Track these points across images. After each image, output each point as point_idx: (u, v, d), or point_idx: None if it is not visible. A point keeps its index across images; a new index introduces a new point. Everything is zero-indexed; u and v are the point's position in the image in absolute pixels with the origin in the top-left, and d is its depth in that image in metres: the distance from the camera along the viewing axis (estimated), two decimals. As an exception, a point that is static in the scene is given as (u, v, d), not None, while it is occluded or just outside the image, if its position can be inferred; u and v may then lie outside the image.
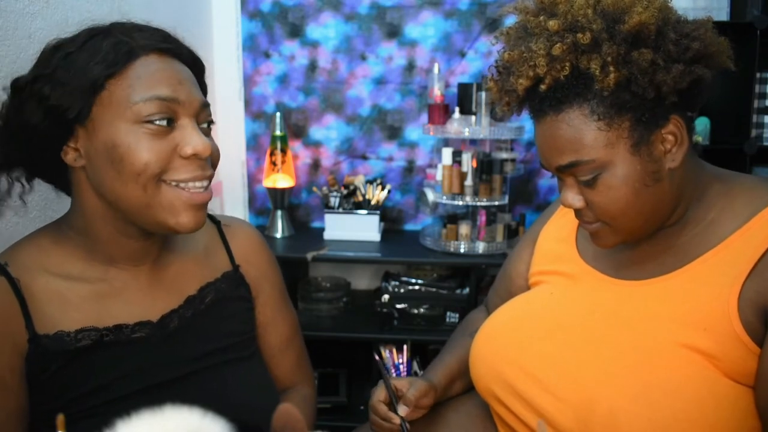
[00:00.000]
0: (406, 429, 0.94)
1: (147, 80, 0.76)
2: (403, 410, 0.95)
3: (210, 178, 0.81)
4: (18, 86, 0.78)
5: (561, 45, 0.77)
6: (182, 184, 0.78)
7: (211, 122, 0.84)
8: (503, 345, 0.93)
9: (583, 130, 0.79)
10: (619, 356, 0.81)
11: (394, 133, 2.31)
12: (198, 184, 0.79)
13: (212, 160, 0.82)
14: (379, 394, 0.99)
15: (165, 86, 0.76)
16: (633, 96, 0.77)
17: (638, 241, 0.89)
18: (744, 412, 0.76)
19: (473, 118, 2.02)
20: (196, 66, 0.85)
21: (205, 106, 0.82)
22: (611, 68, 0.76)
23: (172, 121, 0.77)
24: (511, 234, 2.08)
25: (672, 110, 0.80)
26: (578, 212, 0.87)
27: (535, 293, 0.99)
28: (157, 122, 0.76)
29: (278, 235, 2.23)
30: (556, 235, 1.03)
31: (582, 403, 0.80)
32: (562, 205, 1.01)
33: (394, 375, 2.00)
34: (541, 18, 0.80)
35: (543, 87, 0.79)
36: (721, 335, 0.77)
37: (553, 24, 0.78)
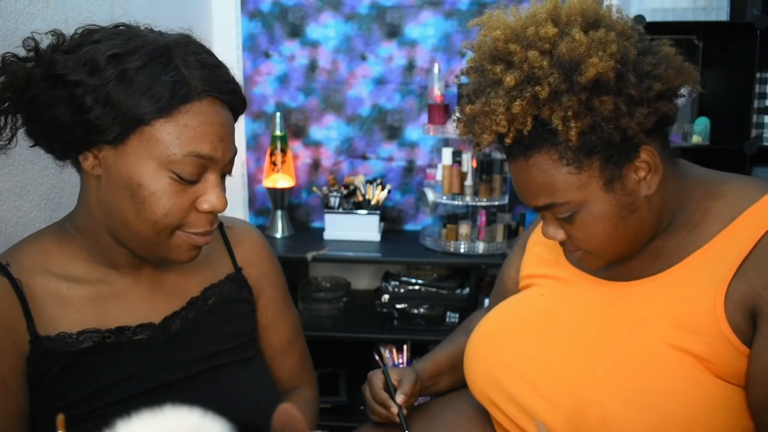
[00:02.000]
0: (403, 419, 0.97)
1: (192, 132, 0.74)
2: (400, 398, 0.98)
3: (216, 228, 0.82)
4: (56, 76, 0.72)
5: (520, 102, 0.75)
6: (190, 236, 0.79)
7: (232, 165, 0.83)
8: (496, 348, 0.93)
9: (554, 175, 0.79)
10: (609, 359, 0.81)
11: (394, 133, 2.31)
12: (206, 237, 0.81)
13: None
14: (377, 381, 1.01)
15: (206, 143, 0.75)
16: (600, 140, 0.76)
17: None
18: (736, 413, 0.76)
19: (473, 118, 2.02)
20: (241, 109, 0.84)
21: (234, 156, 0.81)
22: (572, 121, 0.74)
23: (200, 175, 0.77)
24: (511, 234, 2.08)
25: (642, 143, 0.78)
26: (561, 242, 0.87)
27: (526, 295, 1.00)
28: (187, 177, 0.75)
29: (278, 235, 2.23)
30: (544, 240, 1.03)
31: (574, 408, 0.80)
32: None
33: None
34: (498, 69, 0.78)
35: (507, 141, 0.79)
36: (709, 337, 0.76)
37: (510, 79, 0.76)
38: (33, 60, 0.76)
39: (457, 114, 0.86)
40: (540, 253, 1.01)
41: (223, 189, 0.81)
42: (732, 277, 0.77)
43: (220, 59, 0.81)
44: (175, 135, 0.73)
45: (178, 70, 0.73)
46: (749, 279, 0.76)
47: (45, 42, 0.78)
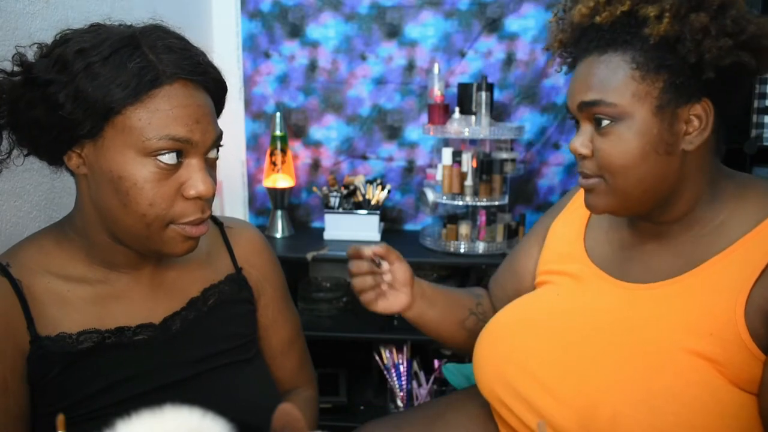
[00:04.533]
0: (378, 263, 1.00)
1: (164, 116, 0.73)
2: (378, 246, 1.00)
3: (208, 217, 0.81)
4: (32, 79, 0.74)
5: None
6: (182, 226, 0.78)
7: (219, 148, 0.82)
8: (507, 346, 0.92)
9: (618, 74, 0.80)
10: (623, 361, 0.81)
11: (394, 133, 2.31)
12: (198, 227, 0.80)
13: (212, 197, 0.82)
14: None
15: (181, 125, 0.74)
16: (675, 57, 0.78)
17: (629, 215, 0.89)
18: (748, 420, 0.75)
19: (473, 118, 2.02)
20: (219, 91, 0.83)
21: (218, 138, 0.80)
22: (666, 18, 0.77)
23: (180, 158, 0.76)
24: (511, 234, 2.08)
25: (706, 91, 0.80)
26: (581, 162, 0.86)
27: (541, 294, 0.99)
28: (166, 161, 0.74)
29: (278, 235, 2.23)
30: (566, 231, 1.02)
31: (585, 408, 0.80)
32: (573, 192, 1.03)
33: (394, 377, 2.01)
34: None
35: (599, 19, 0.81)
36: (726, 341, 0.76)
37: None
38: (20, 74, 0.77)
39: (558, 9, 0.91)
40: (559, 248, 1.01)
41: (212, 175, 0.80)
42: (754, 283, 0.76)
43: (193, 44, 0.80)
44: (147, 120, 0.73)
45: (144, 57, 0.73)
46: None
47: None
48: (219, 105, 0.85)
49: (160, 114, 0.73)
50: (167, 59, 0.75)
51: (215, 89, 0.82)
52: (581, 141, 0.85)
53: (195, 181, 0.77)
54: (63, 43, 0.75)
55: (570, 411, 0.81)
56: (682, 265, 0.84)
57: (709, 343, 0.76)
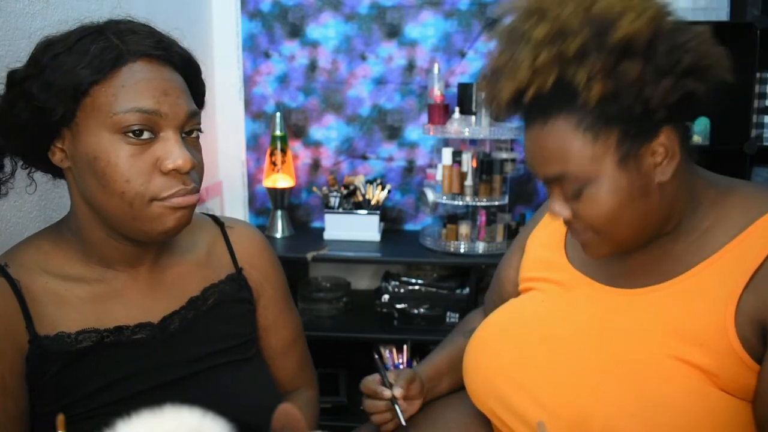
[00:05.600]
0: (395, 403, 0.96)
1: (130, 90, 0.74)
2: (398, 392, 0.97)
3: (193, 192, 0.79)
4: (11, 81, 0.77)
5: (546, 54, 0.74)
6: (167, 201, 0.77)
7: (198, 131, 0.82)
8: (495, 356, 0.91)
9: (570, 142, 0.76)
10: (613, 370, 0.80)
11: (394, 133, 2.31)
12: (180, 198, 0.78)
13: (197, 173, 0.80)
14: (372, 377, 1.01)
15: (148, 98, 0.74)
16: (620, 109, 0.74)
17: (631, 251, 0.86)
18: (741, 427, 0.75)
19: (473, 118, 2.02)
20: (189, 68, 0.83)
21: (193, 115, 0.79)
22: (596, 81, 0.72)
23: (153, 133, 0.76)
24: (511, 234, 2.08)
25: (663, 123, 0.76)
26: (567, 222, 0.85)
27: (526, 300, 0.98)
28: (138, 135, 0.74)
29: (278, 235, 2.23)
30: (545, 241, 1.01)
31: (576, 420, 0.79)
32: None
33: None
34: (529, 23, 0.76)
35: (527, 97, 0.77)
36: (717, 352, 0.75)
37: (539, 31, 0.74)
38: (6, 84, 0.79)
39: (482, 73, 0.85)
40: (541, 255, 1.00)
41: (194, 154, 0.79)
42: (743, 290, 0.75)
43: (161, 31, 0.81)
44: (113, 96, 0.74)
45: (108, 40, 0.75)
46: (760, 292, 0.74)
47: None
48: (194, 86, 0.84)
49: (126, 89, 0.74)
50: (129, 39, 0.76)
51: (183, 66, 0.81)
52: (559, 206, 0.83)
53: (171, 153, 0.76)
54: (41, 44, 0.78)
55: (562, 423, 0.80)
56: (668, 271, 0.82)
57: (698, 353, 0.75)
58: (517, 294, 1.02)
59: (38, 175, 1.12)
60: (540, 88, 0.76)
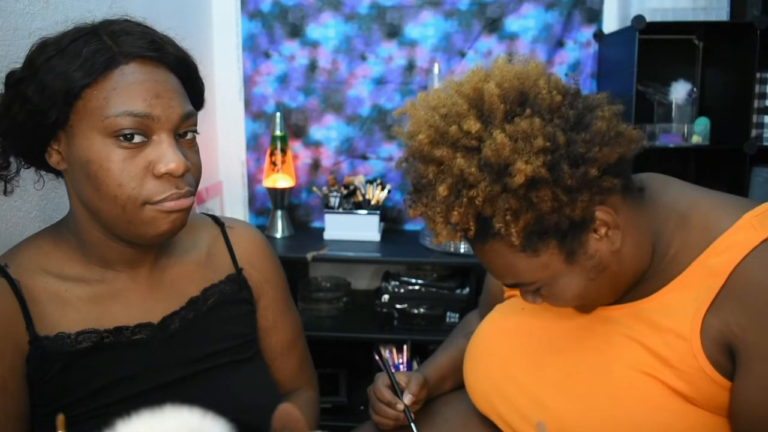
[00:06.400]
0: (410, 417, 0.97)
1: (122, 93, 0.73)
2: (408, 398, 0.97)
3: (187, 195, 0.78)
4: (9, 83, 0.77)
5: (458, 210, 0.73)
6: (160, 205, 0.76)
7: (195, 132, 0.81)
8: (483, 365, 0.94)
9: (513, 260, 0.77)
10: (589, 384, 0.81)
11: (394, 133, 2.31)
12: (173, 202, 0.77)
13: (192, 175, 0.80)
14: (383, 380, 1.00)
15: (140, 101, 0.74)
16: (548, 226, 0.73)
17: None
18: None
19: (473, 118, 2.02)
20: (185, 68, 0.82)
21: (187, 117, 0.78)
22: (512, 223, 0.71)
23: (146, 136, 0.75)
24: (511, 234, 2.08)
25: (593, 213, 0.74)
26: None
27: (508, 307, 0.99)
28: (129, 139, 0.74)
29: (278, 235, 2.23)
30: None
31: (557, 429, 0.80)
32: None
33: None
34: (430, 172, 0.75)
35: (457, 240, 0.78)
36: (689, 374, 0.75)
37: (442, 189, 0.73)
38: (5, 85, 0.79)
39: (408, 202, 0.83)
40: None
41: (189, 156, 0.78)
42: (706, 312, 0.75)
43: (157, 30, 0.80)
44: (105, 99, 0.73)
45: (101, 41, 0.75)
46: (723, 316, 0.73)
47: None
48: (191, 85, 0.83)
49: (117, 92, 0.74)
50: (122, 41, 0.75)
51: (178, 66, 0.80)
52: (531, 297, 0.84)
53: (164, 157, 0.75)
54: (36, 46, 0.77)
55: (559, 426, 0.81)
56: (641, 291, 0.83)
57: (672, 377, 0.75)
58: (502, 300, 1.03)
59: (38, 176, 1.12)
60: (465, 233, 0.76)
